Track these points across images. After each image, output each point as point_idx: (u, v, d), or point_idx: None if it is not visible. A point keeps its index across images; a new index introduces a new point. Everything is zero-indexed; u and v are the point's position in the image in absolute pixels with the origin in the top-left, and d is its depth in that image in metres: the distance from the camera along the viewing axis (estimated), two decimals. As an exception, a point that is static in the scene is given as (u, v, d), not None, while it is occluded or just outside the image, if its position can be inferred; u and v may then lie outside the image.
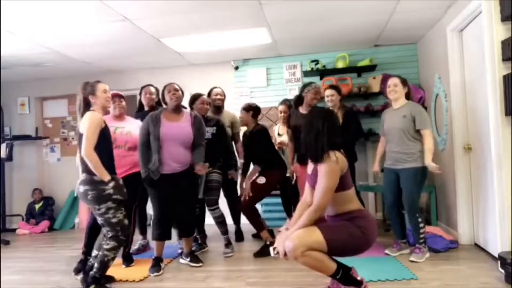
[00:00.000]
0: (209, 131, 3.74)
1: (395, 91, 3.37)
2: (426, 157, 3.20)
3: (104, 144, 2.77)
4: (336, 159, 2.29)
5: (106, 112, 2.99)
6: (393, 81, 3.40)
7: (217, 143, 3.79)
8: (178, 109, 3.35)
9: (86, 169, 2.72)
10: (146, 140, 3.26)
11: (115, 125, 3.50)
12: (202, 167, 3.34)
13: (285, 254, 2.25)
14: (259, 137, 3.82)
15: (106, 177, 2.70)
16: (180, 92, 3.35)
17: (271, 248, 2.37)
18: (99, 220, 2.79)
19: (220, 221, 3.81)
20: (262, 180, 3.71)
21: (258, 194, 3.76)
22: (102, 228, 2.86)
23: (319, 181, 2.28)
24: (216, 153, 3.75)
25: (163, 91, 3.37)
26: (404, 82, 3.40)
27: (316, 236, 2.22)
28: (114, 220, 2.75)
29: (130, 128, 3.53)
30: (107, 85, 2.90)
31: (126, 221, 2.83)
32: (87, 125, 2.70)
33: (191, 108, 3.81)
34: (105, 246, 2.76)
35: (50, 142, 6.23)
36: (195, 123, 3.37)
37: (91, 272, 2.77)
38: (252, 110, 3.90)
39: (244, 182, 3.83)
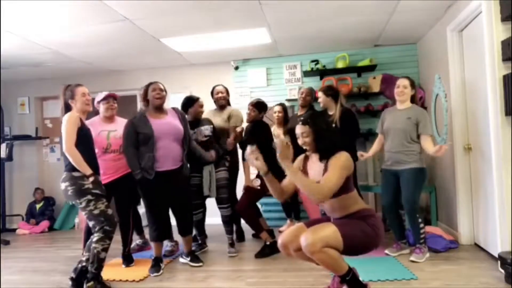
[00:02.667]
0: (207, 129, 3.76)
1: (404, 92, 3.35)
2: (430, 149, 3.19)
3: (83, 144, 2.82)
4: (348, 156, 2.29)
5: (85, 113, 3.00)
6: (402, 82, 3.37)
7: (216, 140, 3.81)
8: (161, 108, 3.35)
9: (67, 167, 2.81)
10: (134, 141, 3.21)
11: (107, 129, 3.51)
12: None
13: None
14: (260, 129, 3.86)
15: (88, 171, 2.77)
16: (164, 92, 3.36)
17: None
18: (84, 214, 2.85)
19: (227, 220, 3.79)
20: (257, 182, 3.72)
21: (254, 196, 3.78)
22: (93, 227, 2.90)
23: (329, 173, 2.21)
24: (218, 150, 3.79)
25: (146, 89, 3.35)
26: (412, 84, 3.39)
27: (333, 231, 2.19)
28: (96, 211, 2.79)
29: (120, 131, 3.50)
30: (87, 89, 2.96)
31: (109, 211, 2.86)
32: (64, 124, 2.80)
33: (186, 111, 3.79)
34: (93, 239, 2.81)
35: (50, 142, 6.23)
36: (182, 118, 3.42)
37: (89, 268, 2.80)
38: (264, 110, 3.99)
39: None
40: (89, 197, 2.78)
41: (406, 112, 3.34)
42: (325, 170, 2.29)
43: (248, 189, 3.76)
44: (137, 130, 3.21)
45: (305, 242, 2.15)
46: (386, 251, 3.48)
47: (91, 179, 2.78)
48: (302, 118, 2.42)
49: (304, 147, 2.41)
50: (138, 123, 3.23)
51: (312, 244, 2.13)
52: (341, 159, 2.26)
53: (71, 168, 2.78)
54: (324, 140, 2.32)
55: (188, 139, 3.46)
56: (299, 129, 2.39)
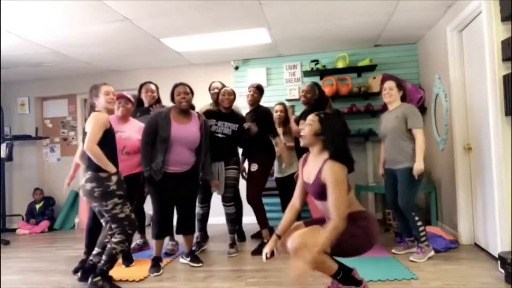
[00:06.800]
0: (230, 127, 3.71)
1: (390, 94, 3.41)
2: (417, 157, 3.20)
3: (107, 144, 2.80)
4: (340, 167, 2.26)
5: (110, 112, 3.01)
6: (388, 84, 3.43)
7: (237, 140, 3.77)
8: (187, 111, 3.35)
9: (92, 166, 2.76)
10: (152, 139, 3.23)
11: (116, 129, 3.51)
12: (218, 184, 3.50)
13: (272, 255, 2.36)
14: (267, 118, 3.90)
15: (112, 169, 2.75)
16: (190, 95, 3.35)
17: (263, 254, 2.41)
18: (106, 216, 2.82)
19: (231, 218, 3.78)
20: (254, 167, 3.77)
21: (258, 182, 3.83)
22: (108, 225, 2.89)
23: (331, 195, 2.21)
24: (234, 149, 3.78)
25: (173, 90, 3.35)
26: (399, 85, 3.43)
27: (319, 236, 2.21)
28: (121, 215, 2.79)
29: (130, 133, 3.49)
30: (112, 87, 2.95)
31: (133, 216, 2.88)
32: (92, 123, 2.78)
33: (216, 102, 3.86)
34: (114, 240, 2.81)
35: (50, 142, 6.23)
36: (203, 127, 3.38)
37: (99, 264, 2.82)
38: (262, 90, 4.05)
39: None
40: (116, 200, 2.77)
41: (394, 112, 3.38)
42: (317, 180, 2.31)
43: (249, 175, 3.82)
44: (157, 129, 3.22)
45: (290, 246, 2.22)
46: (393, 250, 3.50)
47: (114, 179, 2.76)
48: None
49: (301, 133, 2.41)
50: (161, 123, 3.23)
51: (296, 250, 2.19)
52: (334, 176, 2.22)
53: (96, 168, 2.74)
54: (328, 138, 2.32)
55: (206, 148, 3.41)
56: (309, 116, 2.42)
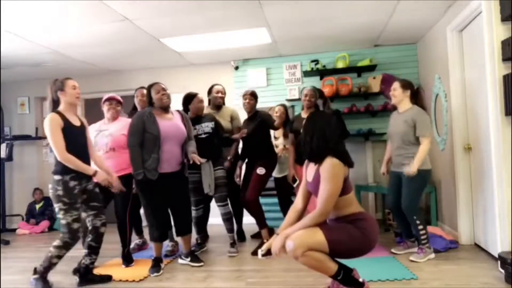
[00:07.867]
0: (208, 125, 3.74)
1: (394, 95, 3.39)
2: (415, 161, 3.18)
3: (69, 143, 2.76)
4: (338, 163, 2.30)
5: (75, 107, 2.93)
6: (393, 85, 3.41)
7: (217, 137, 3.79)
8: (167, 108, 3.35)
9: (53, 168, 2.81)
10: (141, 139, 3.18)
11: (99, 128, 3.51)
12: (198, 158, 3.29)
13: (269, 254, 2.35)
14: (265, 123, 3.92)
15: (90, 171, 2.84)
16: (168, 91, 3.35)
17: (259, 251, 2.41)
18: None
19: (228, 218, 3.76)
20: (262, 171, 3.78)
21: (261, 185, 3.84)
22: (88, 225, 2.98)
23: (322, 186, 2.28)
24: (217, 147, 3.78)
25: (149, 90, 3.32)
26: (405, 85, 3.36)
27: (318, 237, 2.23)
28: (63, 221, 2.79)
29: (113, 130, 3.47)
30: (77, 82, 2.90)
31: (75, 225, 2.80)
32: (46, 131, 2.74)
33: (187, 108, 3.79)
34: (53, 243, 2.84)
35: (50, 142, 6.23)
36: (186, 120, 3.44)
37: (38, 266, 2.88)
38: (257, 97, 4.10)
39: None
40: (61, 205, 2.76)
41: (404, 115, 3.34)
42: (316, 176, 2.36)
43: (255, 177, 3.81)
44: (145, 127, 3.19)
45: (289, 247, 2.22)
46: (393, 250, 3.50)
47: (94, 178, 2.88)
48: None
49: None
50: (147, 121, 3.19)
51: (294, 249, 2.21)
52: (329, 169, 2.28)
53: (54, 171, 2.79)
54: (306, 144, 2.42)
55: (191, 138, 3.46)
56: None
